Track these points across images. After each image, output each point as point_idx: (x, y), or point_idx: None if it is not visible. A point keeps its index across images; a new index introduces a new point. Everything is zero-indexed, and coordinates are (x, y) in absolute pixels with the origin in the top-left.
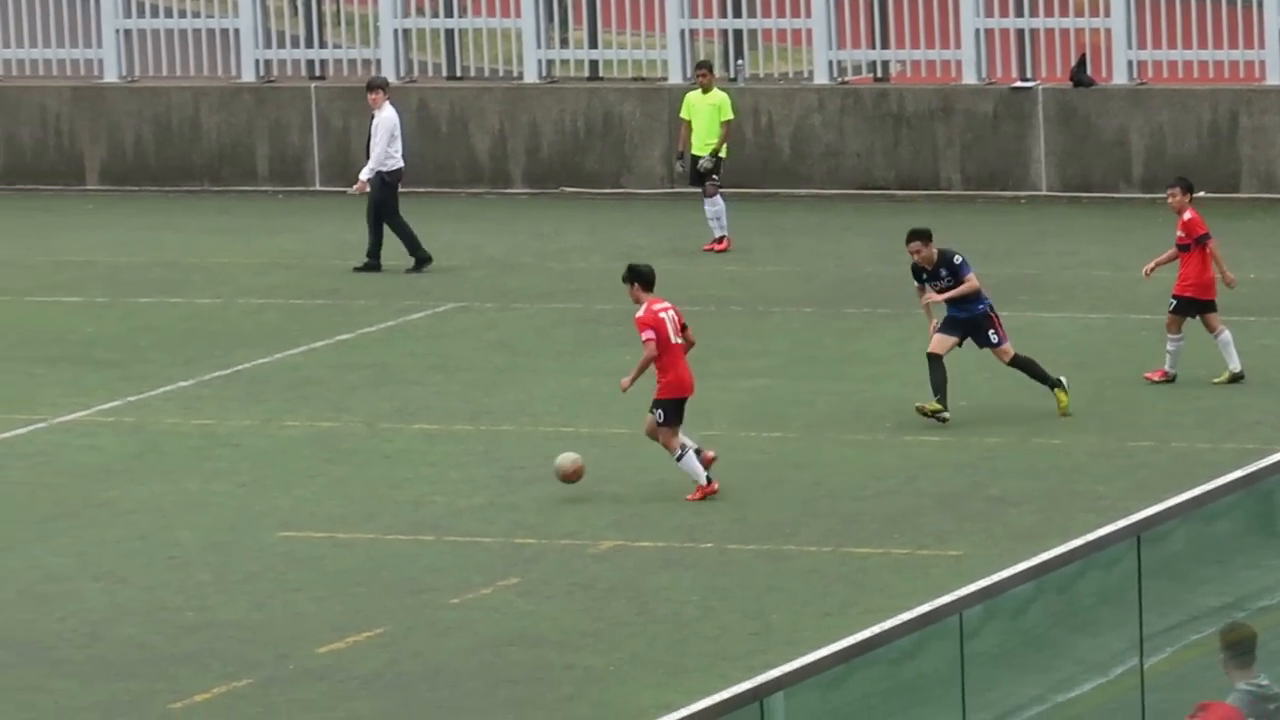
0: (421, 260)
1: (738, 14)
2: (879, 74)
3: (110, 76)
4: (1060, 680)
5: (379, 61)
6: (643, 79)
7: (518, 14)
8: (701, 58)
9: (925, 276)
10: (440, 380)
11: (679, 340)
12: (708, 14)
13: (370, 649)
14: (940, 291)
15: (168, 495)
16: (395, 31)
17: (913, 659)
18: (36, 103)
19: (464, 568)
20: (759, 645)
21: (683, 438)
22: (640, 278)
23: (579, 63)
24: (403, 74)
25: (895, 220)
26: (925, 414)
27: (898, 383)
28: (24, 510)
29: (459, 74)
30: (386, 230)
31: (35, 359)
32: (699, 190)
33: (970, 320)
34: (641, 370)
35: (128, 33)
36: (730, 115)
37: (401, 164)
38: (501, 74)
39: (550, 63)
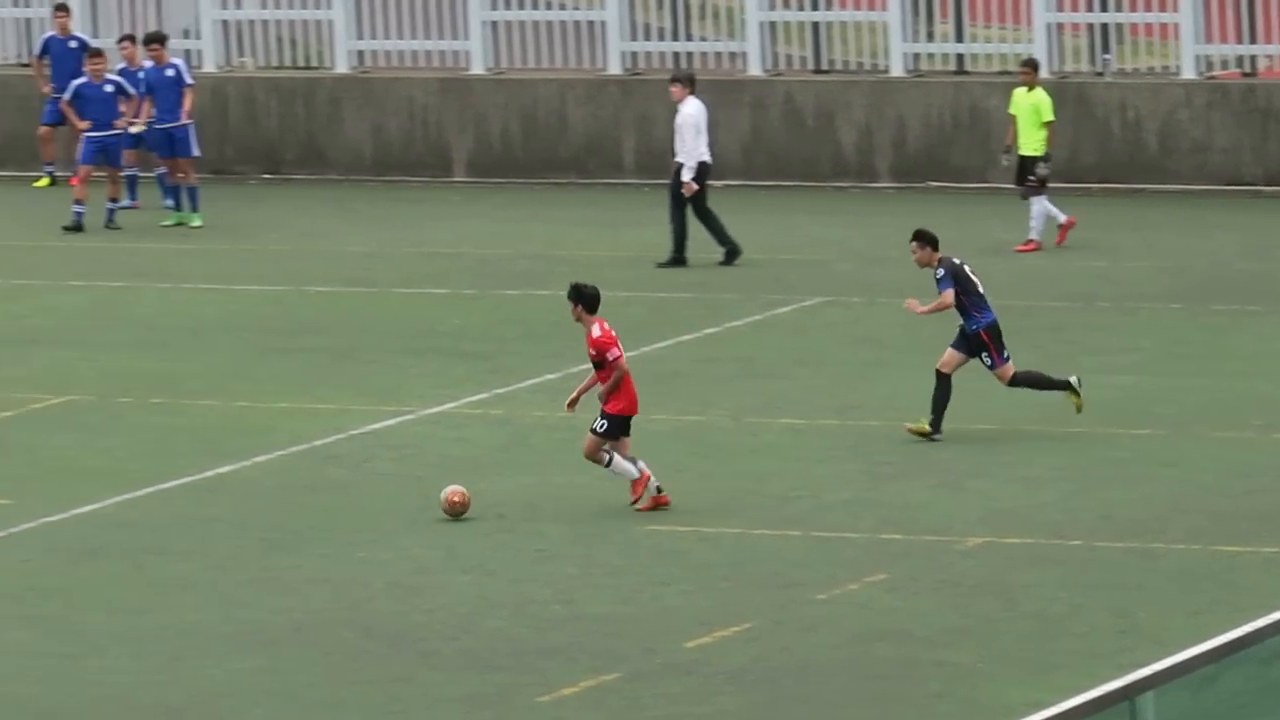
0: (732, 252)
1: (1105, 8)
2: (1247, 69)
3: (477, 68)
4: None
5: (745, 54)
6: (1009, 73)
7: (884, 7)
8: (1027, 56)
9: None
10: (807, 375)
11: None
12: (1074, 7)
13: (737, 644)
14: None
15: (535, 488)
16: (761, 24)
17: None
18: (404, 94)
19: (830, 563)
20: (1127, 643)
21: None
22: (584, 299)
23: (945, 56)
24: (768, 67)
25: (1265, 217)
26: (914, 434)
27: (1266, 380)
28: (393, 502)
29: (825, 67)
30: (694, 223)
31: (403, 351)
32: (1019, 187)
33: (970, 337)
34: (615, 386)
35: (494, 24)
36: (1050, 117)
37: (708, 157)
38: (867, 67)
39: (916, 56)
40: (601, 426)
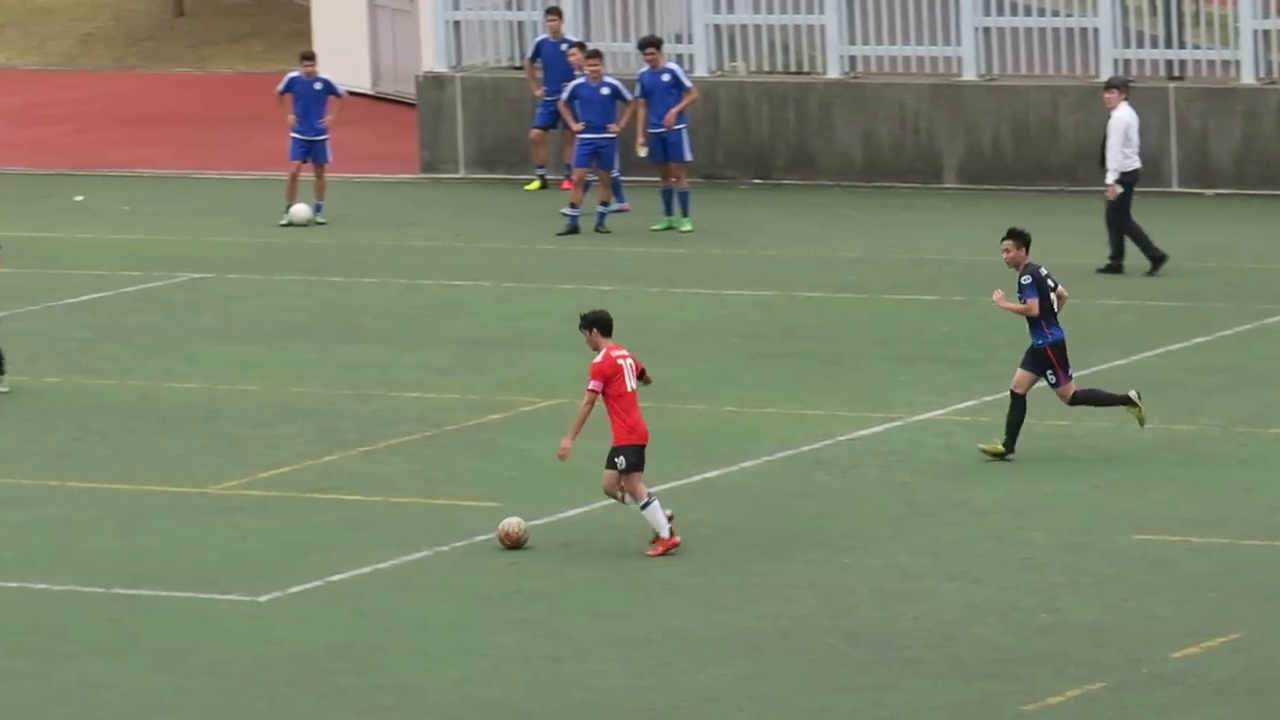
0: (1156, 260)
1: None
2: None
3: (969, 74)
4: None
5: (1238, 62)
6: None
7: None
8: None
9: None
10: None
11: (634, 388)
12: None
13: (1224, 654)
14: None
15: (1021, 495)
16: (1255, 32)
17: None
18: (895, 100)
19: None
20: None
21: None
22: (598, 324)
23: None
24: (1262, 75)
25: None
26: (987, 455)
27: None
28: (880, 508)
29: None
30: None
31: (892, 357)
32: None
33: (1037, 353)
34: (580, 425)
35: (987, 31)
36: None
37: (1137, 165)
38: None
39: None
40: (621, 464)
